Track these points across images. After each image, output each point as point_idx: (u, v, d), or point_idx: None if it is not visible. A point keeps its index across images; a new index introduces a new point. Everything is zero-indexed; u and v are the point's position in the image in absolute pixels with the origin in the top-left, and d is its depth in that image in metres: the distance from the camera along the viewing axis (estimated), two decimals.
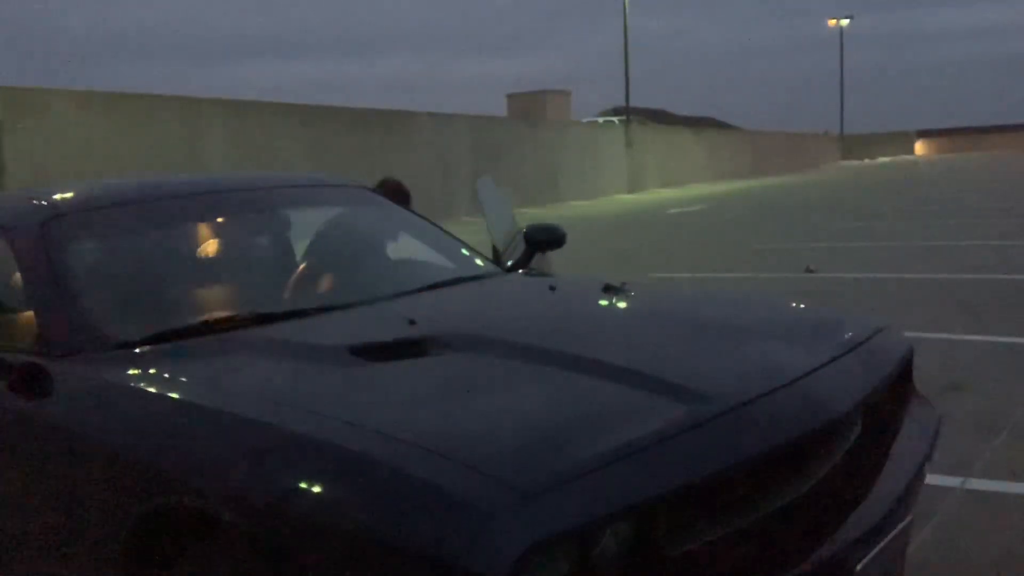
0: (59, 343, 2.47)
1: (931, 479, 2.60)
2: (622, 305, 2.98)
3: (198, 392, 2.22)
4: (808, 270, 10.04)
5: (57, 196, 3.04)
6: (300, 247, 3.52)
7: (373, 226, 3.76)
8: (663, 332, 2.64)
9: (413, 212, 3.96)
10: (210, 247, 3.25)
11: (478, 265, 3.59)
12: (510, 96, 36.17)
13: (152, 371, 2.36)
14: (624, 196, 32.17)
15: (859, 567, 2.02)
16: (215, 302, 3.00)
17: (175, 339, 2.54)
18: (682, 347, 2.47)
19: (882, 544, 2.11)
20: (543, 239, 3.73)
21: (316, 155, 20.53)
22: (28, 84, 16.15)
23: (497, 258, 3.79)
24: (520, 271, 3.64)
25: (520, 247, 3.72)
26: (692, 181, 38.71)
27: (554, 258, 4.10)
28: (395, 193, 5.33)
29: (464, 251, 3.68)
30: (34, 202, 2.98)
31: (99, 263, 2.98)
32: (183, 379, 2.29)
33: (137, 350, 2.47)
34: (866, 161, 59.13)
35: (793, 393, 2.15)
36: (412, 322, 2.52)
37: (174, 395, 2.21)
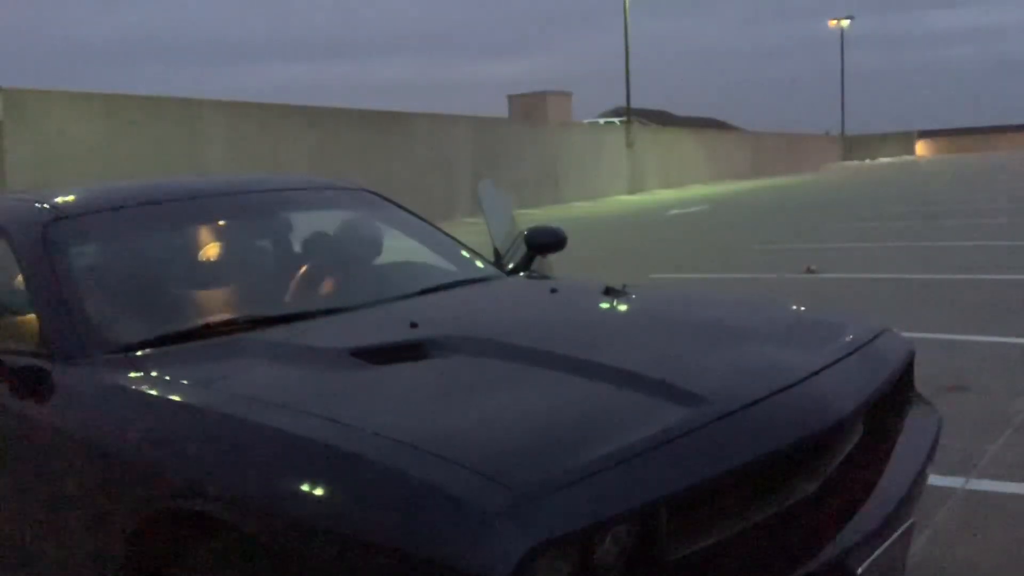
0: (61, 346, 2.47)
1: (933, 480, 2.60)
2: (623, 308, 2.98)
3: (199, 395, 2.22)
4: (808, 271, 10.04)
5: (59, 199, 3.04)
6: (302, 250, 3.52)
7: (375, 228, 3.76)
8: (664, 335, 2.64)
9: (411, 212, 3.95)
10: (212, 250, 3.25)
11: (479, 267, 3.60)
12: (511, 97, 36.23)
13: (153, 374, 2.36)
14: (625, 197, 32.18)
15: (861, 569, 2.02)
16: (216, 305, 3.00)
17: (176, 342, 2.54)
18: (683, 350, 2.47)
19: (884, 546, 2.11)
20: (544, 242, 3.73)
21: (317, 157, 20.54)
22: (29, 86, 16.15)
23: (498, 260, 3.80)
24: (521, 274, 3.64)
25: (521, 250, 3.72)
26: (692, 182, 38.72)
27: (555, 260, 4.10)
28: None
29: (465, 253, 3.68)
30: (36, 205, 2.99)
31: (101, 266, 2.98)
32: (184, 382, 2.29)
33: (139, 353, 2.47)
34: (867, 162, 59.12)
35: (794, 396, 2.15)
36: (414, 325, 2.52)
37: (175, 398, 2.21)
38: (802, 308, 3.23)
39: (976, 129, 73.05)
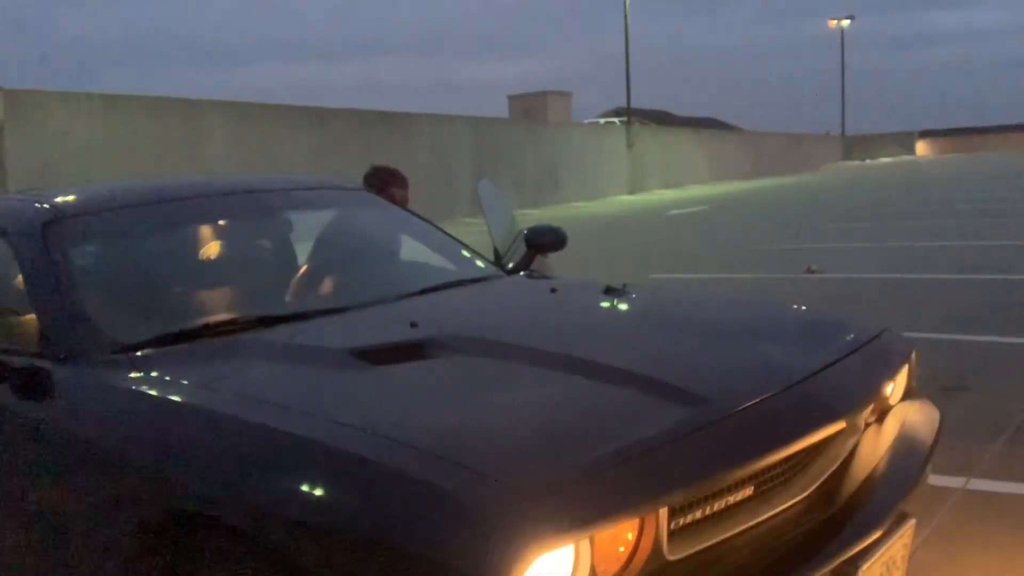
0: (61, 346, 2.47)
1: (933, 480, 2.60)
2: (623, 307, 2.98)
3: (199, 395, 2.22)
4: (809, 270, 10.03)
5: (59, 199, 3.04)
6: (302, 250, 3.52)
7: (374, 229, 3.76)
8: (664, 335, 2.64)
9: (412, 212, 3.95)
10: (212, 250, 3.25)
11: (479, 267, 3.59)
12: (511, 97, 36.25)
13: (154, 374, 2.36)
14: (625, 197, 32.17)
15: (862, 569, 2.02)
16: (217, 305, 3.00)
17: (177, 342, 2.54)
18: (684, 350, 2.47)
19: (885, 546, 2.11)
20: (544, 241, 3.73)
21: (317, 157, 20.54)
22: (30, 86, 16.15)
23: (498, 260, 3.79)
24: (521, 273, 3.64)
25: (521, 249, 3.72)
26: (693, 182, 38.70)
27: (555, 259, 4.10)
28: (389, 181, 5.06)
29: (465, 253, 3.68)
30: (36, 204, 2.99)
31: (101, 266, 2.98)
32: (184, 382, 2.29)
33: (139, 353, 2.46)
34: (867, 161, 59.11)
35: (795, 395, 2.15)
36: (414, 325, 2.52)
37: (175, 398, 2.21)
38: (802, 308, 3.23)
39: (977, 129, 72.97)
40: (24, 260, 2.73)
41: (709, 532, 1.86)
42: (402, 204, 5.00)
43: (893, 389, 2.56)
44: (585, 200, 29.92)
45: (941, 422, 2.71)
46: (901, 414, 2.59)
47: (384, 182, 4.96)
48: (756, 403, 2.06)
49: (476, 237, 4.55)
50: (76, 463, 2.25)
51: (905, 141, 69.63)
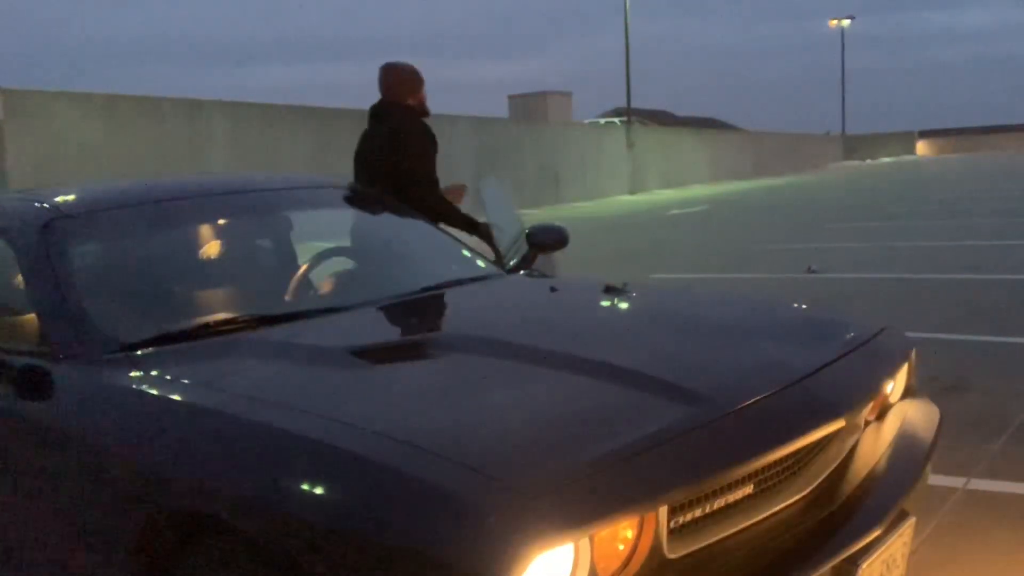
0: (61, 345, 2.47)
1: (933, 480, 2.60)
2: (624, 306, 2.98)
3: (200, 394, 2.22)
4: (809, 270, 10.03)
5: (59, 198, 3.04)
6: (302, 249, 3.52)
7: (374, 227, 3.76)
8: (665, 333, 2.64)
9: (414, 214, 3.94)
10: (212, 249, 3.26)
11: (479, 266, 3.59)
12: (511, 97, 36.15)
13: (154, 373, 2.36)
14: (625, 197, 32.17)
15: (862, 568, 2.02)
16: (217, 304, 3.00)
17: (177, 341, 2.54)
18: (684, 348, 2.47)
19: (885, 544, 2.11)
20: (546, 240, 3.74)
21: (318, 157, 20.54)
22: (30, 86, 16.16)
23: (499, 259, 3.80)
24: (522, 272, 3.64)
25: (523, 248, 3.72)
26: (693, 182, 38.70)
27: (559, 259, 4.10)
28: (418, 81, 4.73)
29: (466, 252, 3.68)
30: (36, 204, 2.99)
31: (101, 265, 2.98)
32: (184, 381, 2.29)
33: (139, 352, 2.47)
34: (868, 161, 59.14)
35: (795, 394, 2.15)
36: (415, 325, 2.52)
37: (176, 397, 2.21)
38: (803, 307, 3.23)
39: (977, 129, 72.98)
40: (24, 260, 2.73)
41: (709, 530, 1.86)
42: (422, 103, 4.79)
43: (893, 387, 2.56)
44: (585, 200, 29.92)
45: (941, 421, 2.71)
46: (901, 412, 2.59)
47: (414, 84, 4.64)
48: (756, 401, 2.06)
49: (476, 238, 4.54)
50: (76, 463, 2.25)
51: (905, 141, 69.65)
